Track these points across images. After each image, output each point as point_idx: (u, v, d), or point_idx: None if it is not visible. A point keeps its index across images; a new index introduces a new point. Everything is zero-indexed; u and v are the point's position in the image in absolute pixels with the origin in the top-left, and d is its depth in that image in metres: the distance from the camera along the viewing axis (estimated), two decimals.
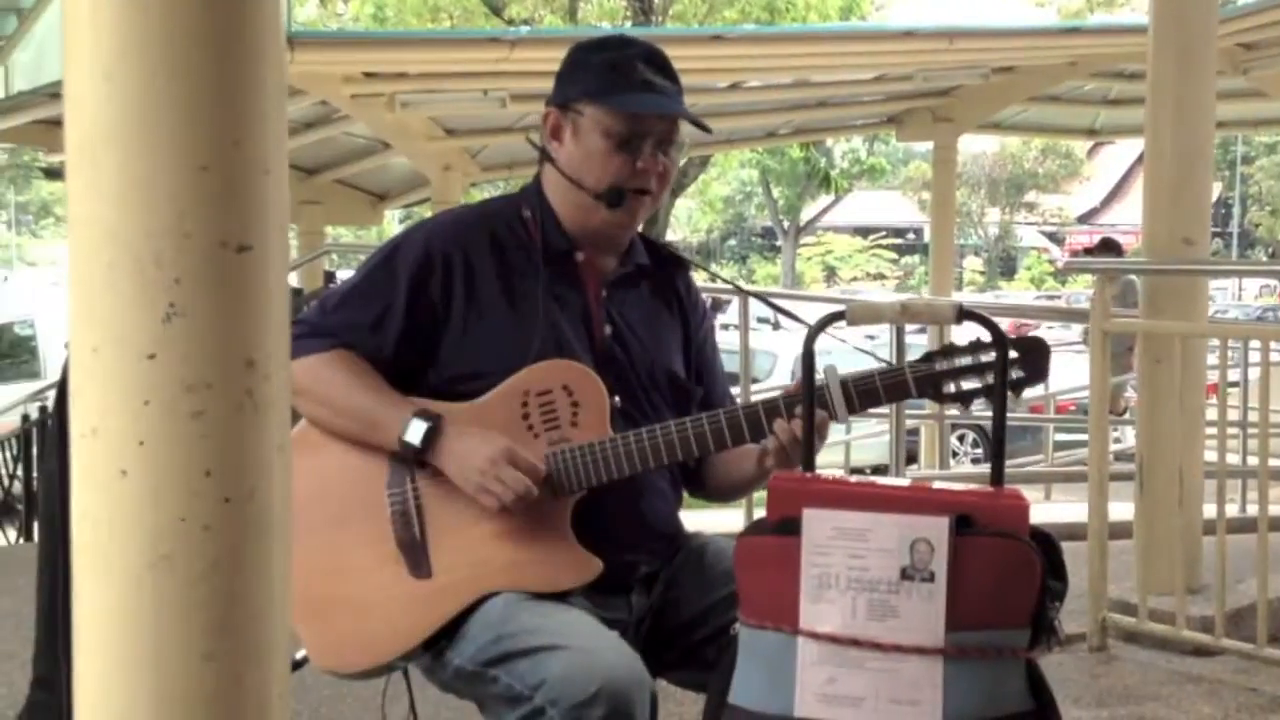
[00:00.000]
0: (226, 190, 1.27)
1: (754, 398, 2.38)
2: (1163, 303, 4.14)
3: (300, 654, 2.09)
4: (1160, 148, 4.21)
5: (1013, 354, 1.90)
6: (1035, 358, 1.99)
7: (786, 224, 38.83)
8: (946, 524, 1.59)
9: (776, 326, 17.78)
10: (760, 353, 10.95)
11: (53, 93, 8.73)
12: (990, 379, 1.98)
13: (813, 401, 1.82)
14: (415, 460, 2.07)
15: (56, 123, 9.36)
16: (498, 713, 1.97)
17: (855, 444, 10.85)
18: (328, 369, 2.10)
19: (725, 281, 4.14)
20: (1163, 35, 4.25)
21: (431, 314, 2.12)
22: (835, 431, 2.17)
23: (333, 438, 2.12)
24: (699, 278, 2.49)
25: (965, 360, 2.00)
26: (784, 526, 1.66)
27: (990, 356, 1.98)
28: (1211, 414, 4.52)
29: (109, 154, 1.26)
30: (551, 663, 1.87)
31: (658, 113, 2.13)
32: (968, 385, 2.01)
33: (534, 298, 2.13)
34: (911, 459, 9.10)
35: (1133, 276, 7.91)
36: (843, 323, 1.81)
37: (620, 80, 2.11)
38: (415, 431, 2.05)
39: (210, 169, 1.26)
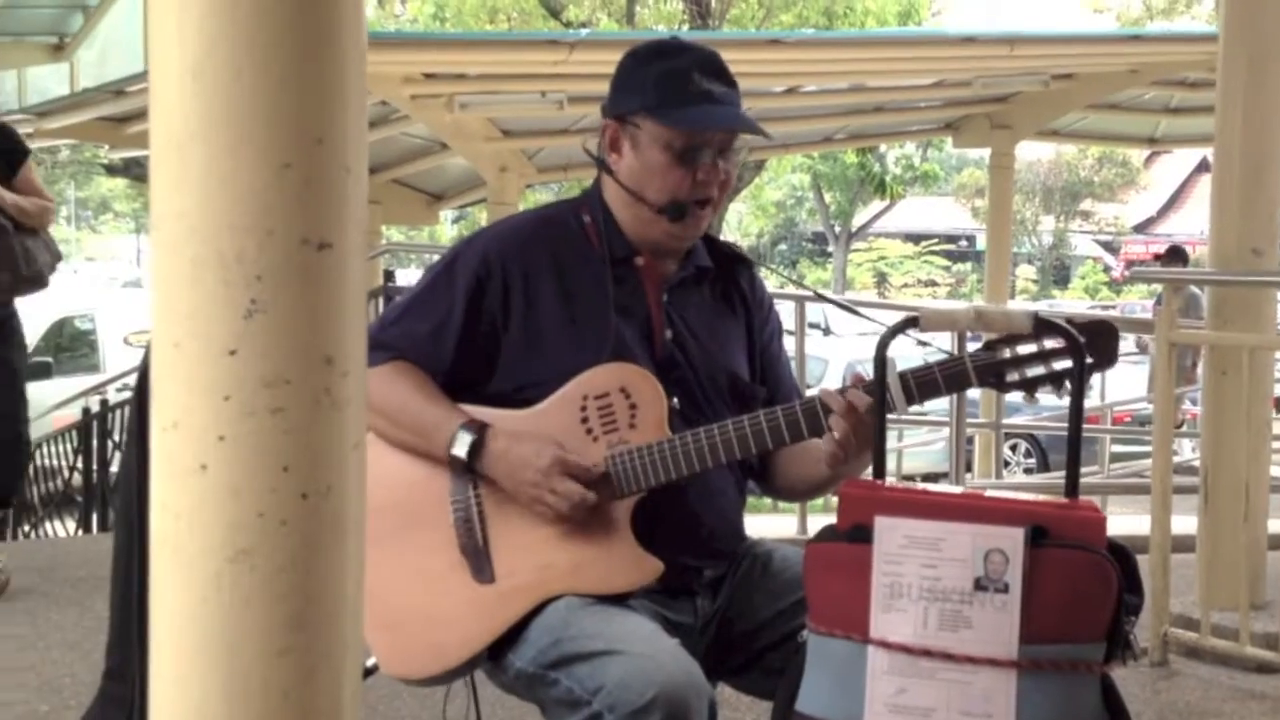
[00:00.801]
0: (309, 188, 1.28)
1: None
2: (1230, 314, 4.09)
3: (370, 662, 2.10)
4: (1229, 157, 4.16)
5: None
6: (1103, 341, 1.93)
7: (838, 229, 38.67)
8: (1021, 535, 1.57)
9: (827, 332, 17.72)
10: (812, 358, 10.91)
11: (117, 90, 8.85)
12: (1055, 365, 1.92)
13: (884, 406, 1.81)
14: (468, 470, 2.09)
15: (120, 119, 9.48)
16: (558, 715, 1.97)
17: (907, 452, 10.80)
18: (384, 380, 2.11)
19: (800, 286, 4.10)
20: (1232, 43, 4.20)
21: (490, 324, 2.13)
22: (888, 438, 2.13)
23: (396, 448, 2.14)
24: (772, 282, 2.47)
25: (1029, 348, 1.94)
26: (855, 534, 1.64)
27: (1054, 342, 1.92)
28: (1278, 428, 4.46)
29: (194, 151, 1.27)
30: (611, 667, 1.87)
31: (717, 128, 2.11)
32: (1031, 373, 1.94)
33: (600, 305, 2.12)
34: (965, 468, 9.03)
35: (1195, 289, 7.83)
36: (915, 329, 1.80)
37: (677, 92, 2.09)
38: (461, 445, 2.07)
39: (293, 166, 1.27)
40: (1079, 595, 1.58)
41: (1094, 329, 1.92)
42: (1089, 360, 1.90)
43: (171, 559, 1.30)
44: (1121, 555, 1.62)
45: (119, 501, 3.52)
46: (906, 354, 2.27)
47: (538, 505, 2.05)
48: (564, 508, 2.03)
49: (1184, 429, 9.42)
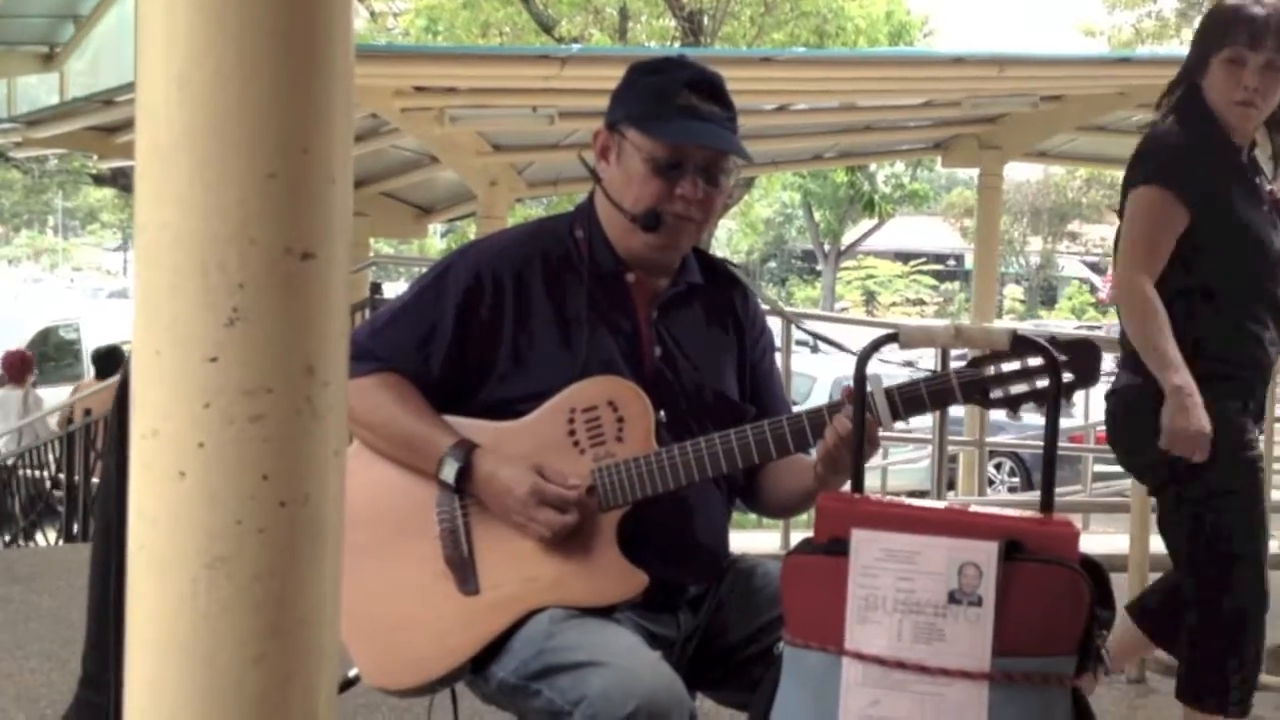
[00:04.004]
0: (293, 198, 1.29)
1: None
2: None
3: (353, 672, 2.10)
4: None
5: (1062, 357, 1.86)
6: (1085, 358, 1.93)
7: (827, 247, 38.76)
8: (995, 549, 1.59)
9: (815, 350, 17.72)
10: (798, 375, 10.94)
11: (106, 100, 8.85)
12: (1039, 382, 1.93)
13: (864, 422, 1.82)
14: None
15: (109, 129, 9.48)
16: None
17: (892, 469, 10.82)
18: (372, 393, 2.11)
19: (776, 308, 4.11)
20: None
21: (480, 336, 2.13)
22: (874, 455, 2.14)
23: (382, 458, 2.14)
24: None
25: (1012, 366, 1.95)
26: (832, 547, 1.66)
27: (1038, 360, 1.93)
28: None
29: (178, 159, 1.27)
30: (593, 679, 1.87)
31: (692, 143, 2.11)
32: (1016, 390, 1.95)
33: (581, 320, 2.14)
34: (949, 486, 9.06)
35: None
36: (894, 345, 1.81)
37: (662, 106, 2.11)
38: (449, 470, 2.09)
39: (278, 176, 1.28)
40: (1051, 609, 1.59)
41: (1075, 347, 1.94)
42: (1070, 378, 1.91)
43: (147, 565, 1.30)
44: (1093, 569, 1.63)
45: (98, 509, 3.51)
46: (892, 374, 2.29)
47: (522, 529, 2.07)
48: (546, 534, 2.05)
49: None
